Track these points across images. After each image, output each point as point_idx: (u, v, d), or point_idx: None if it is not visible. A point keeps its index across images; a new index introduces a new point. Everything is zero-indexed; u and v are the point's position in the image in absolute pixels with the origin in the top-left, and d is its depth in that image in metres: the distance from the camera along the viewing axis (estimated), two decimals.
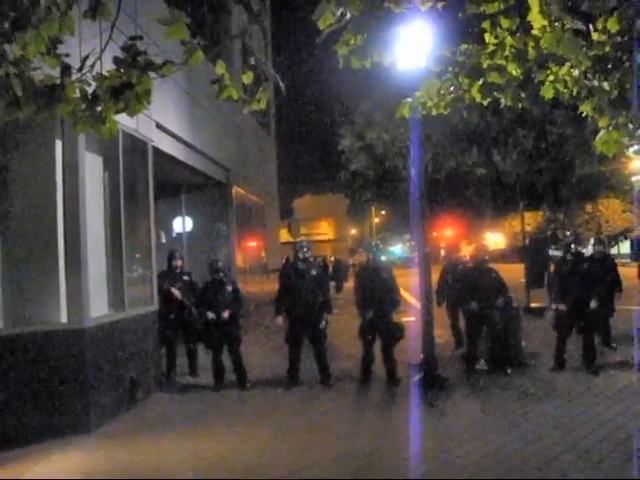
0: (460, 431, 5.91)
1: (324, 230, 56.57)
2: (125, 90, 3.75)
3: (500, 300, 8.25)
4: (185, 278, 9.19)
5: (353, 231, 69.54)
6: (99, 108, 3.94)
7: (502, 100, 5.44)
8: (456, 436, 5.75)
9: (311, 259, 8.57)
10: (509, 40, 4.91)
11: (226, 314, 8.09)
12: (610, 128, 5.05)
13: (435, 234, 47.89)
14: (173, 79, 8.84)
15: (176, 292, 8.85)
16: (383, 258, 9.63)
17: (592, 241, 9.17)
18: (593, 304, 7.92)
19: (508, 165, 10.34)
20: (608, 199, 42.43)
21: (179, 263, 9.23)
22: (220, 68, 3.88)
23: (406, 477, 4.78)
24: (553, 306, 8.27)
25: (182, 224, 13.16)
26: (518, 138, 9.90)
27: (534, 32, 4.59)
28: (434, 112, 4.98)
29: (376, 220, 58.16)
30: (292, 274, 8.26)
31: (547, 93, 5.39)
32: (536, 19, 4.41)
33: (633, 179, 43.83)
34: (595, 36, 5.13)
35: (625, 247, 43.52)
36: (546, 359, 8.64)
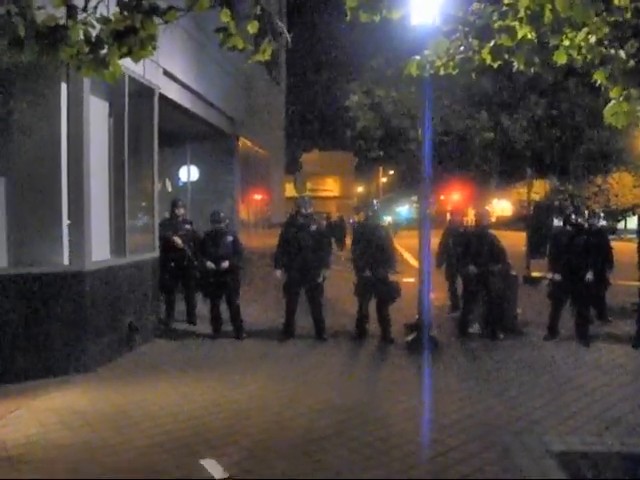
0: (446, 392, 6.02)
1: (330, 187, 56.37)
2: (129, 34, 3.71)
3: (498, 266, 8.29)
4: (187, 227, 9.25)
5: (360, 189, 69.26)
6: (103, 52, 3.91)
7: (514, 64, 5.35)
8: (442, 396, 5.87)
9: (312, 214, 8.59)
10: (524, 1, 4.79)
11: (225, 264, 8.16)
12: (621, 99, 4.97)
13: (442, 197, 47.70)
14: (182, 26, 8.72)
15: (177, 240, 8.92)
16: (389, 219, 9.70)
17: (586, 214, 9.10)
18: (588, 276, 7.95)
19: (517, 131, 10.22)
20: (620, 173, 42.01)
21: (182, 212, 9.28)
22: (225, 16, 3.82)
23: (385, 432, 4.88)
24: (549, 276, 8.31)
25: (187, 173, 13.14)
26: (529, 104, 9.75)
27: None
28: (442, 72, 4.91)
29: (384, 180, 57.79)
30: (292, 228, 8.29)
31: (560, 58, 5.27)
32: None
33: None
34: (616, 0, 5.00)
35: (633, 222, 43.31)
36: (540, 328, 8.73)
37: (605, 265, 8.93)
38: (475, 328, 8.69)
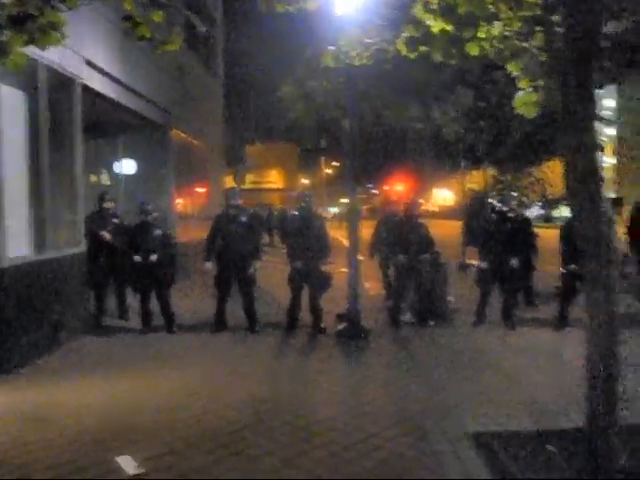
0: (372, 379, 6.11)
1: (273, 179, 56.08)
2: (26, 21, 3.59)
3: (427, 255, 8.44)
4: (115, 221, 9.03)
5: (304, 181, 69.24)
6: (2, 39, 3.77)
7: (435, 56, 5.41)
8: (367, 384, 5.96)
9: (242, 206, 8.54)
10: None
11: (154, 257, 8.03)
12: (530, 90, 5.11)
13: (387, 188, 48.33)
14: (104, 15, 8.49)
15: (105, 235, 8.70)
16: (336, 210, 9.79)
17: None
18: (513, 262, 8.17)
19: (447, 122, 10.38)
20: (554, 163, 43.42)
21: (110, 205, 9.05)
22: (128, 4, 3.74)
23: (307, 420, 4.92)
24: (475, 263, 8.52)
25: (120, 166, 12.85)
26: (458, 96, 9.89)
27: None
28: (357, 62, 4.93)
29: (328, 171, 57.95)
30: (222, 220, 8.23)
31: (472, 50, 5.38)
32: None
33: None
34: None
35: (567, 211, 44.76)
36: (471, 314, 8.90)
37: (530, 252, 9.21)
38: (407, 316, 8.83)
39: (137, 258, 8.03)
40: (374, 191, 58.80)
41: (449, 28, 5.23)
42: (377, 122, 10.45)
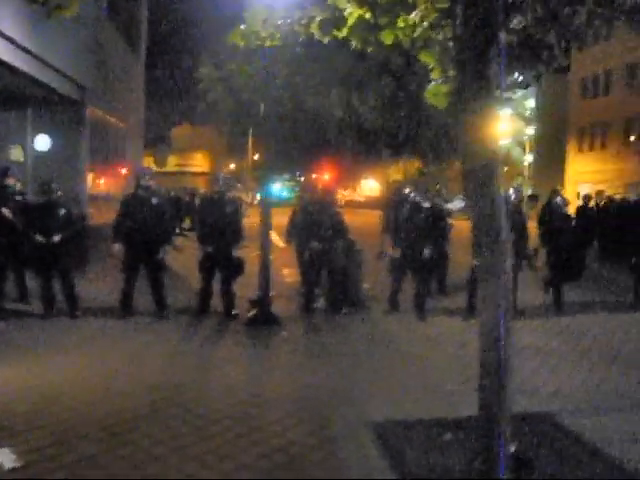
0: (277, 367, 6.04)
1: (199, 162, 54.97)
2: None
3: (339, 241, 8.43)
4: (18, 198, 8.54)
5: (232, 166, 68.28)
6: None
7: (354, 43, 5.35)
8: (272, 372, 5.88)
9: (154, 187, 8.24)
10: None
11: (57, 238, 7.64)
12: (440, 81, 5.13)
13: (314, 176, 48.34)
14: None
15: (6, 212, 8.21)
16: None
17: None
18: (425, 252, 8.28)
19: (366, 110, 10.41)
20: None
21: (11, 181, 8.55)
22: None
23: (206, 409, 4.79)
24: (388, 252, 8.59)
25: (28, 143, 12.17)
26: (380, 85, 9.93)
27: None
28: (268, 43, 4.80)
29: (257, 156, 57.33)
30: (131, 202, 7.93)
31: (386, 38, 5.36)
32: None
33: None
34: None
35: None
36: (385, 302, 8.94)
37: (444, 241, 9.37)
38: (320, 303, 8.81)
39: (39, 238, 7.61)
40: (301, 178, 58.74)
41: (365, 14, 5.18)
42: (299, 109, 10.30)
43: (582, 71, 39.01)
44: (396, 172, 50.27)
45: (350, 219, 9.79)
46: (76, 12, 3.97)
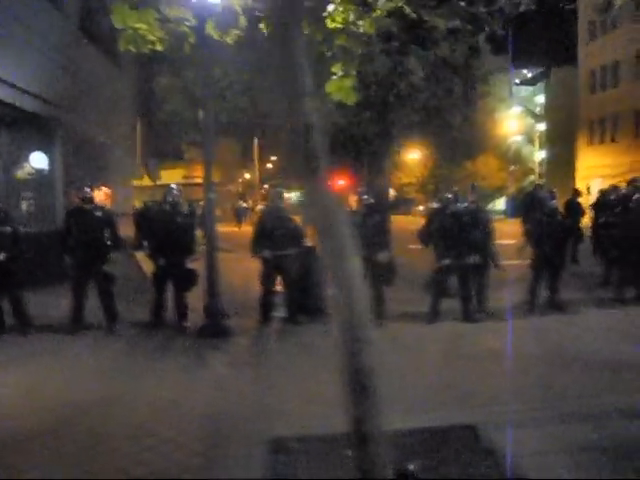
0: (210, 380, 5.83)
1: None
2: None
3: (294, 248, 8.20)
4: None
5: (247, 176, 68.37)
6: None
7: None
8: (204, 385, 5.68)
9: (95, 202, 8.15)
10: None
11: (1, 256, 7.56)
12: (340, 74, 4.93)
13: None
14: None
15: None
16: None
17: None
18: (380, 255, 8.00)
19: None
20: (486, 157, 44.39)
21: None
22: None
23: (107, 426, 4.62)
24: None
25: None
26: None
27: None
28: (159, 47, 4.63)
29: (270, 166, 57.33)
30: (74, 214, 7.87)
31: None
32: None
33: (509, 140, 46.01)
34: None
35: (500, 204, 45.71)
36: None
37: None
38: (280, 312, 8.58)
39: None
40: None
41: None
42: (258, 115, 10.16)
43: (590, 63, 38.30)
44: (406, 176, 49.97)
45: None
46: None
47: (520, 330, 7.59)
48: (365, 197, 8.28)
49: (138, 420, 4.75)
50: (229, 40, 5.19)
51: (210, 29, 4.98)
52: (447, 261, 8.03)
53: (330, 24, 5.01)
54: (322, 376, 5.98)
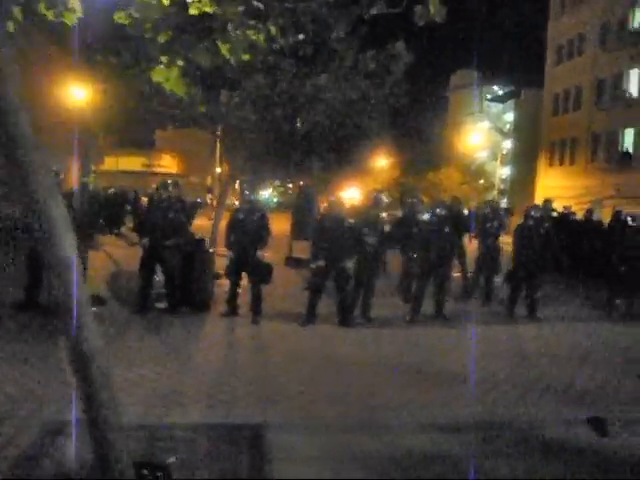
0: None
1: (167, 163, 54.31)
2: None
3: (171, 240, 8.18)
4: None
5: (219, 170, 67.84)
6: None
7: None
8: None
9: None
10: None
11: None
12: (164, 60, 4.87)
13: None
14: None
15: None
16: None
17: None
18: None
19: (233, 110, 10.13)
20: (449, 170, 44.85)
21: None
22: None
23: None
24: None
25: None
26: (251, 84, 9.62)
27: None
28: None
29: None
30: None
31: None
32: None
33: (475, 155, 46.45)
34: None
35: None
36: (245, 307, 8.57)
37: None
38: (162, 303, 8.53)
39: None
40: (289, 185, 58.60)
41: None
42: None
43: (555, 86, 38.91)
44: (374, 182, 50.14)
45: None
46: None
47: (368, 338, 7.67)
48: (246, 193, 8.30)
49: None
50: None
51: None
52: (320, 262, 8.07)
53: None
54: (175, 368, 5.98)
